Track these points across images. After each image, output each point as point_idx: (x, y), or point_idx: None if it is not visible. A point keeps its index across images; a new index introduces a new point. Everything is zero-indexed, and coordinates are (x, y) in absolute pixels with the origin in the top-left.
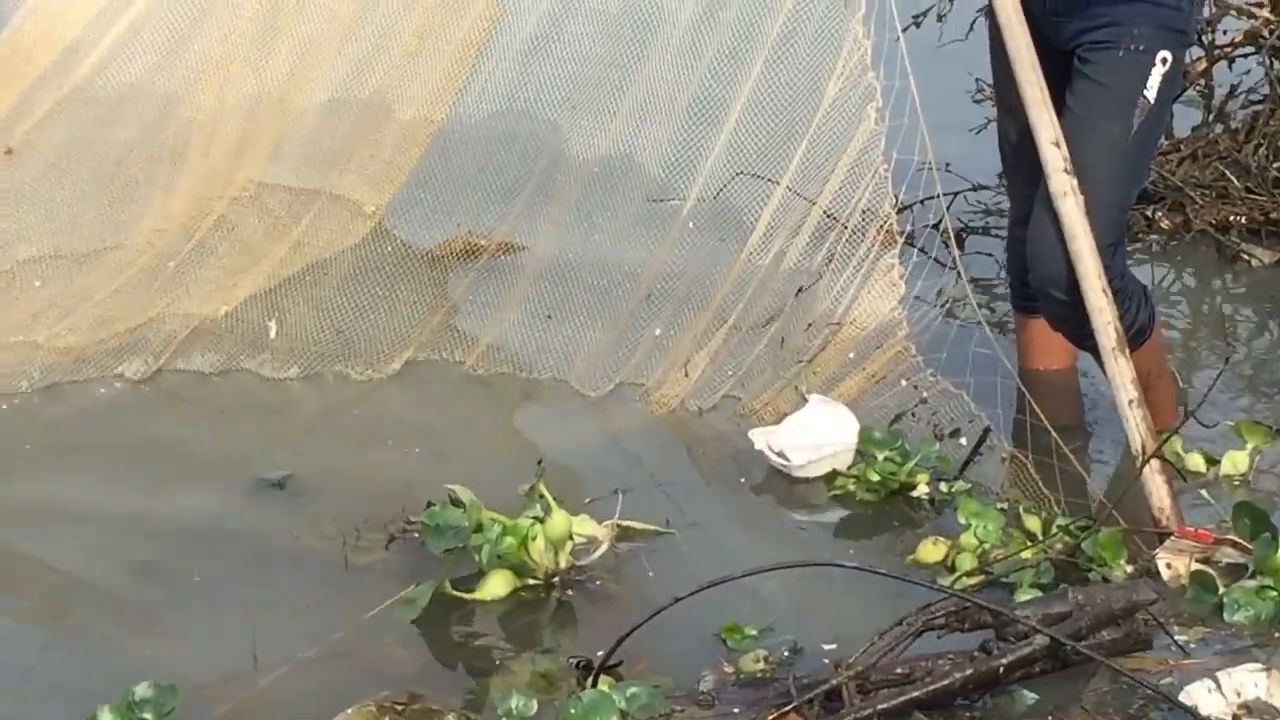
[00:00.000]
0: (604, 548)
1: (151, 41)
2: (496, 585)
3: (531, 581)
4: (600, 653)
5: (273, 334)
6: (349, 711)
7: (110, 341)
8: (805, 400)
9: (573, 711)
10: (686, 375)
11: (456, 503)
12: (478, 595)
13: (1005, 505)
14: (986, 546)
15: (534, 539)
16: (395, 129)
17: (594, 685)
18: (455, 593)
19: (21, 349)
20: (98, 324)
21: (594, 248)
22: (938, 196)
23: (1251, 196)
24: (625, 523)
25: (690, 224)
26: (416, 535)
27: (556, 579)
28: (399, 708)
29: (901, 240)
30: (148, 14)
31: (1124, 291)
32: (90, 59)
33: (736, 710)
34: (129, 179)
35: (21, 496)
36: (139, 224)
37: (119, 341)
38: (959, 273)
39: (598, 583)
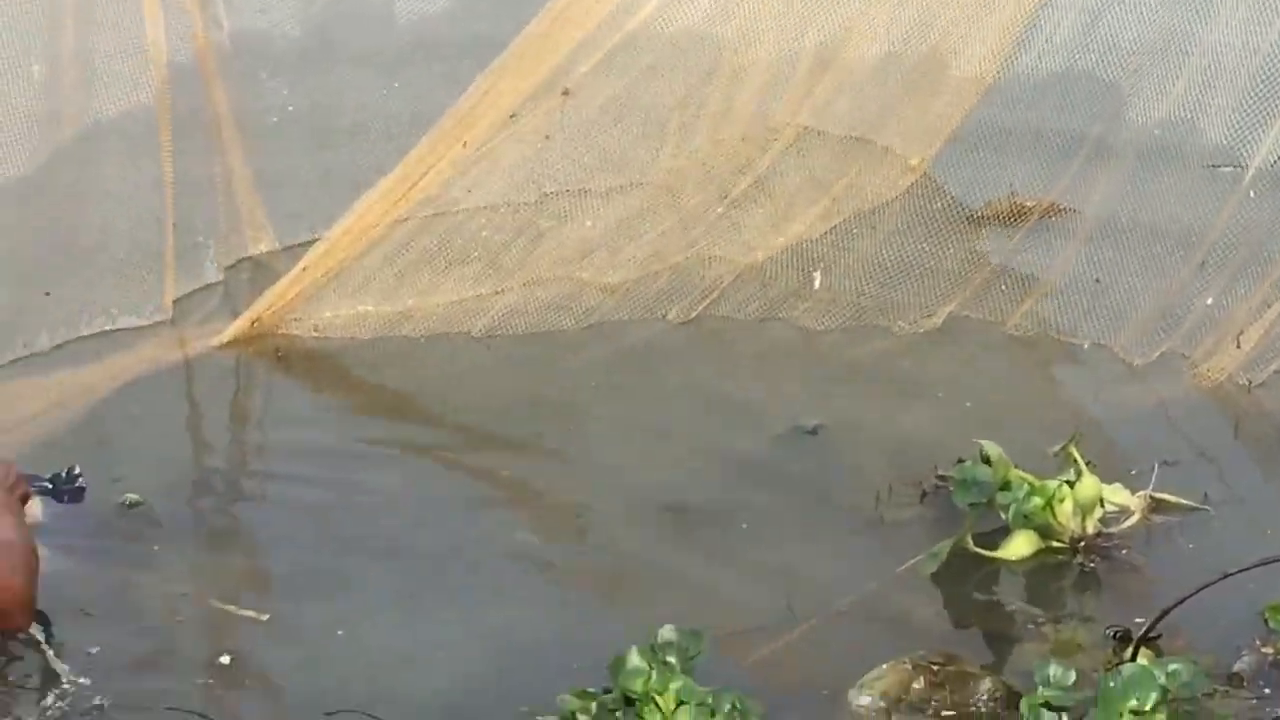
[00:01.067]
0: (1135, 518)
1: None
2: (1020, 545)
3: (1056, 545)
4: (1140, 621)
5: (816, 284)
6: (883, 667)
7: (655, 283)
8: None
9: (1112, 685)
10: (1238, 347)
11: (986, 459)
12: (1001, 554)
13: None
14: None
15: (1061, 501)
16: (948, 84)
17: (1134, 658)
18: (978, 549)
19: (566, 285)
20: (643, 265)
21: (1148, 213)
22: None
23: None
24: (1160, 495)
25: (1251, 193)
26: (949, 490)
27: (1082, 544)
28: (934, 667)
29: None
30: None
31: None
32: (648, 5)
33: (1268, 691)
34: (679, 124)
35: (557, 433)
36: (685, 169)
37: (663, 284)
38: None
39: (1124, 552)
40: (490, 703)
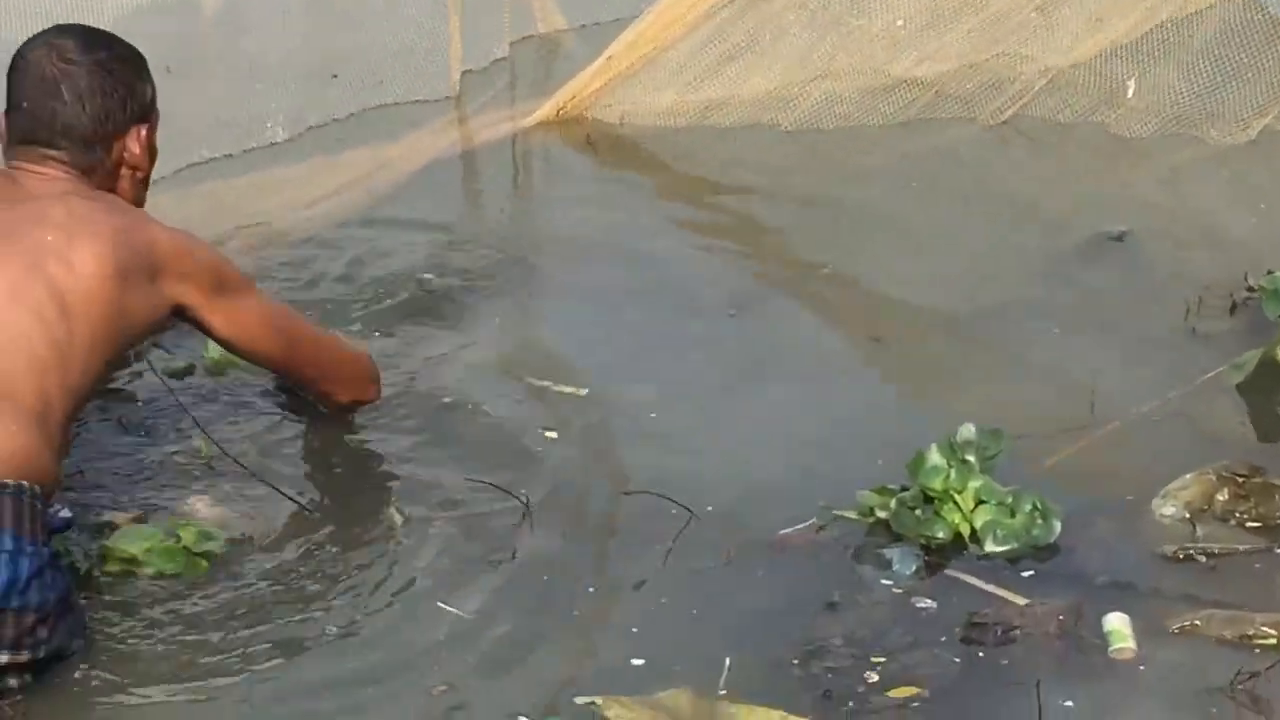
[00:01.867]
0: None
1: None
2: None
3: None
4: None
5: (1130, 92)
6: (1187, 477)
7: (965, 84)
8: None
9: None
10: None
11: None
12: None
13: None
14: None
15: None
16: None
17: None
18: None
19: (876, 81)
20: (954, 62)
21: None
22: None
23: None
24: None
25: None
26: (1259, 302)
27: None
28: (1239, 479)
29: None
30: None
31: None
32: None
33: None
34: None
35: (860, 230)
36: None
37: (974, 85)
38: None
39: None
40: (791, 495)
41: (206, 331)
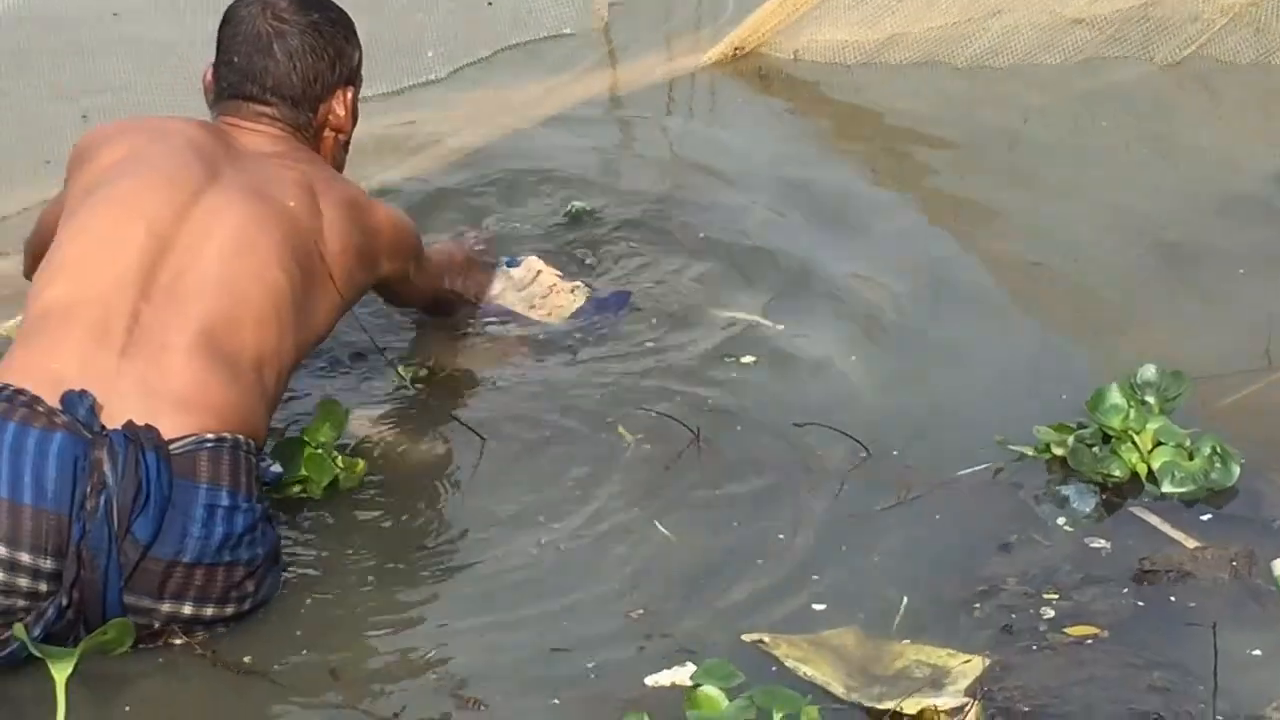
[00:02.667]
0: None
1: None
2: None
3: None
4: None
5: None
6: None
7: (1142, 24)
8: None
9: None
10: None
11: None
12: None
13: None
14: None
15: None
16: None
17: None
18: None
19: (1052, 20)
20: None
21: None
22: None
23: None
24: None
25: None
26: None
27: None
28: None
29: None
30: None
31: None
32: None
33: None
34: None
35: (1033, 167)
36: None
37: (1151, 24)
38: None
39: None
40: (967, 429)
41: (386, 295)
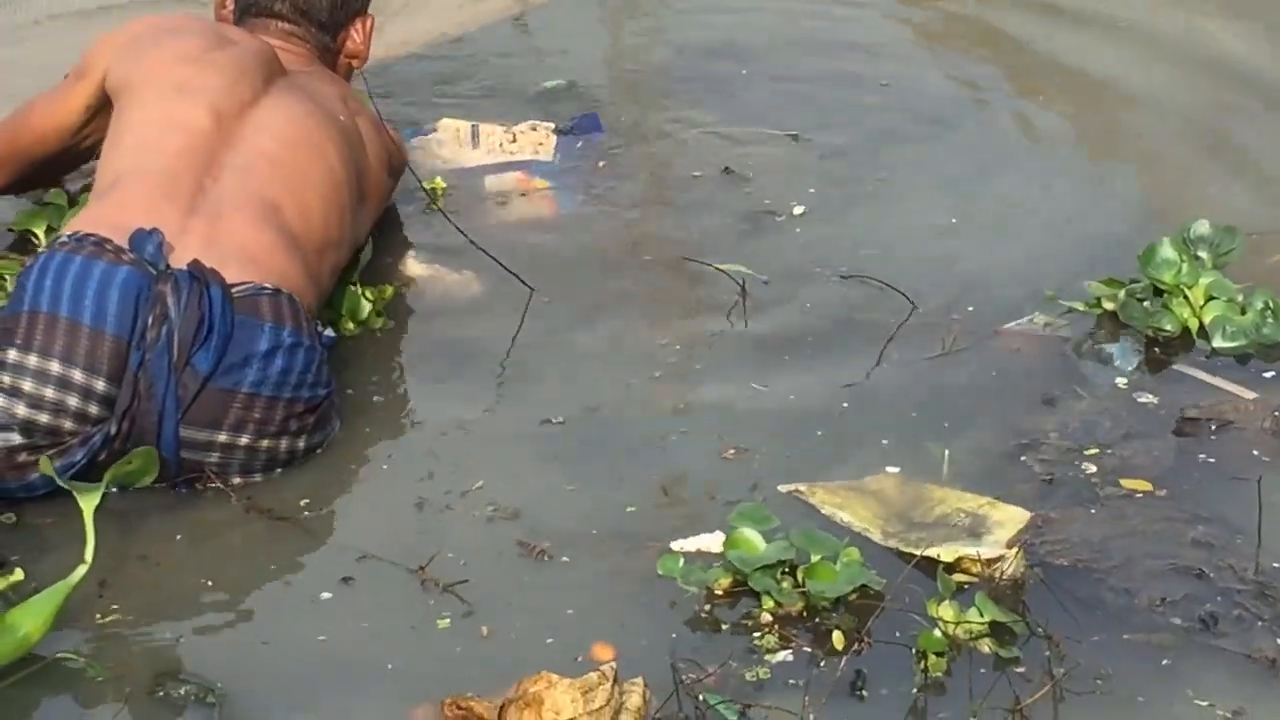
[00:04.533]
0: None
1: None
2: None
3: None
4: None
5: None
6: None
7: None
8: None
9: None
10: None
11: None
12: None
13: None
14: None
15: None
16: None
17: None
18: None
19: None
20: None
21: None
22: None
23: None
24: None
25: None
26: None
27: None
28: None
29: None
30: None
31: None
32: None
33: None
34: None
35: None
36: None
37: None
38: None
39: None
40: (1016, 283)
41: None
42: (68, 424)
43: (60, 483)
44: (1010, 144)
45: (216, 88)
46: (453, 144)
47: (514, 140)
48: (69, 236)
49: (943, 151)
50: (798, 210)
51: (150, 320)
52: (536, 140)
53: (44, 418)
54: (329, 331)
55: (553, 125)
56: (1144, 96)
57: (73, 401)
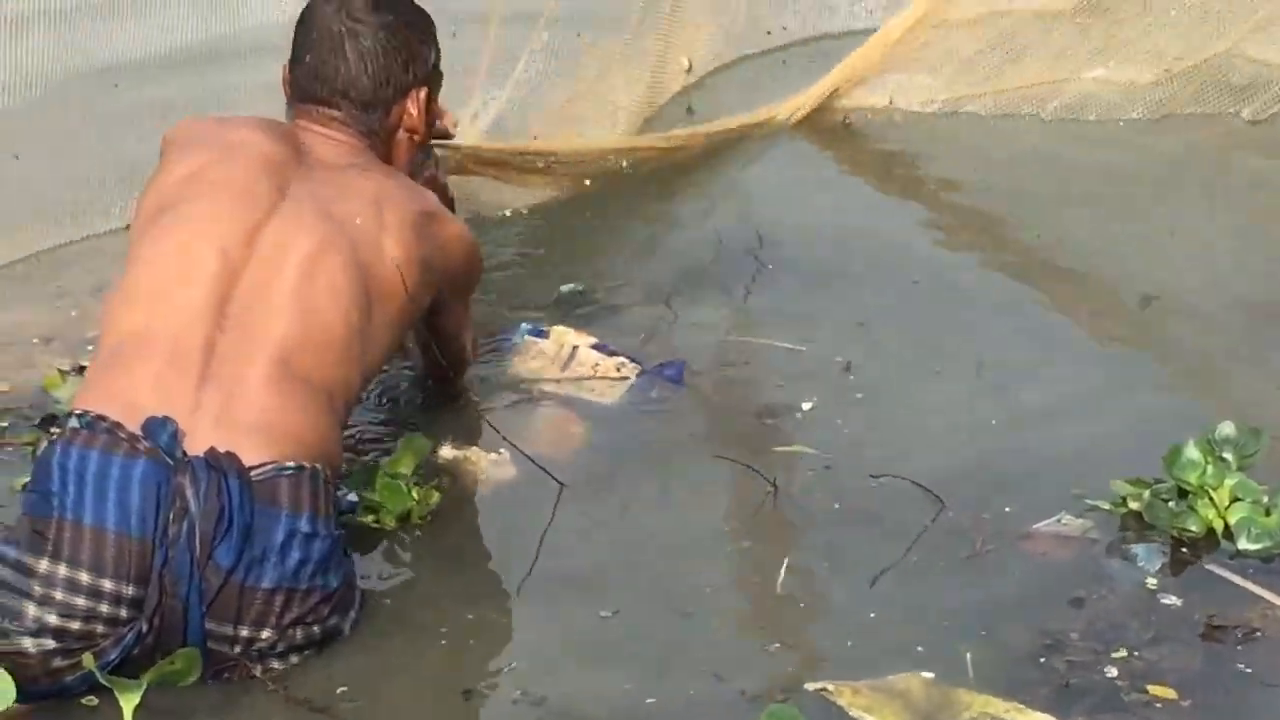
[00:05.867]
0: None
1: None
2: None
3: None
4: None
5: None
6: None
7: (1229, 78)
8: None
9: None
10: None
11: None
12: None
13: None
14: None
15: None
16: None
17: None
18: None
19: (1136, 74)
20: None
21: None
22: None
23: None
24: None
25: None
26: None
27: None
28: None
29: None
30: None
31: None
32: None
33: None
34: None
35: (1114, 225)
36: None
37: (1238, 80)
38: None
39: None
40: (1043, 482)
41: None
42: (100, 629)
43: (101, 679)
44: (1034, 339)
45: (221, 221)
46: (543, 359)
47: (594, 371)
48: (79, 420)
49: (964, 346)
50: (806, 405)
51: (171, 516)
52: (616, 376)
53: (76, 625)
54: (350, 496)
55: (640, 367)
56: (1172, 296)
57: (104, 608)
